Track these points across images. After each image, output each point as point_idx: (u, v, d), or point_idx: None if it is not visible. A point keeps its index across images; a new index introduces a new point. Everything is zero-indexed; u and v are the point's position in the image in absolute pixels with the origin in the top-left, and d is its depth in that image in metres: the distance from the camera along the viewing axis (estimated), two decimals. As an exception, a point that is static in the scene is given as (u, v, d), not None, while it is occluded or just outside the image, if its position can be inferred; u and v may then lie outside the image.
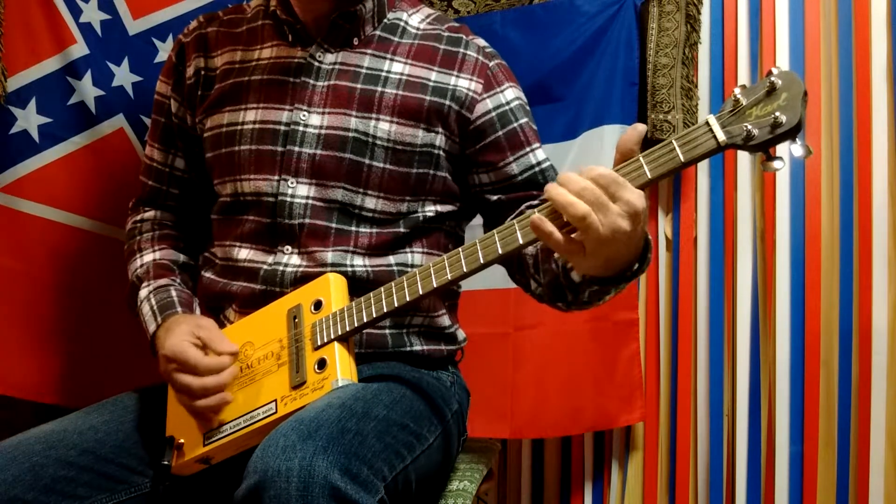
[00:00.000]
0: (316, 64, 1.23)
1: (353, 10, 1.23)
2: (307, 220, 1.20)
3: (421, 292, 1.06)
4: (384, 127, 1.20)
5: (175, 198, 1.37)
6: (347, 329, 1.08)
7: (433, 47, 1.26)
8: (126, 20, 1.70)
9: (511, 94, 1.26)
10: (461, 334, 1.34)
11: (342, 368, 1.06)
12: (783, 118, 0.88)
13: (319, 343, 1.09)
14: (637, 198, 0.91)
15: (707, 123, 0.92)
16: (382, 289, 1.09)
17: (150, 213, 1.37)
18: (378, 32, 1.26)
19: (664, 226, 1.73)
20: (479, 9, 1.78)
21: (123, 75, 1.70)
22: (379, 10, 1.26)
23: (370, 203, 1.21)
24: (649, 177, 0.93)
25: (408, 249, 1.25)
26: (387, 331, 1.21)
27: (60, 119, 1.67)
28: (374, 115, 1.21)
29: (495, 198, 1.25)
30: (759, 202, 1.67)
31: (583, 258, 0.96)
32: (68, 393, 1.68)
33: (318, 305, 1.12)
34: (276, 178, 1.21)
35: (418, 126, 1.22)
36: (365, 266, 1.20)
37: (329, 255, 1.20)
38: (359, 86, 1.22)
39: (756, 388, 1.66)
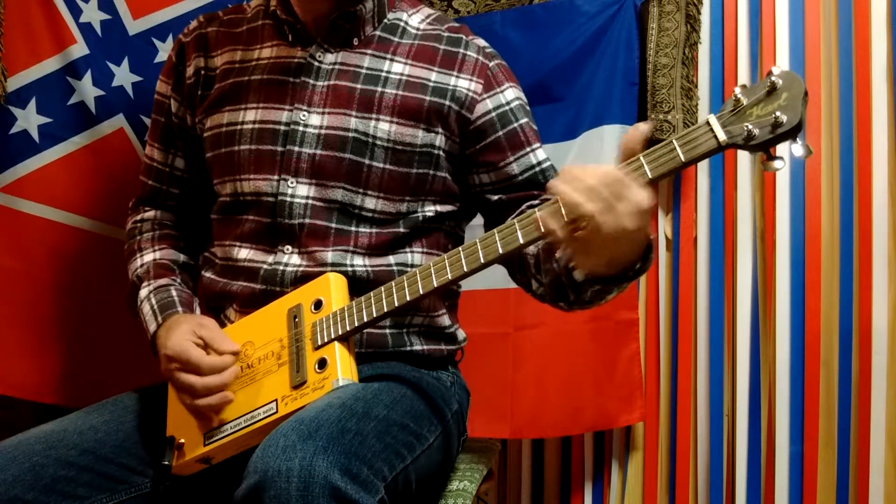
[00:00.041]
0: (316, 64, 1.23)
1: (353, 11, 1.23)
2: (307, 220, 1.20)
3: (421, 292, 1.06)
4: (384, 127, 1.20)
5: (175, 197, 1.37)
6: (348, 329, 1.08)
7: (433, 47, 1.26)
8: (126, 20, 1.70)
9: (511, 94, 1.26)
10: (461, 334, 1.34)
11: (342, 368, 1.06)
12: (784, 118, 0.88)
13: (320, 343, 1.09)
14: (643, 197, 0.92)
15: (707, 123, 0.92)
16: (383, 288, 1.09)
17: (150, 213, 1.37)
18: (378, 33, 1.26)
19: (664, 226, 1.73)
20: (479, 9, 1.78)
21: (123, 75, 1.70)
22: (379, 10, 1.26)
23: (370, 203, 1.21)
24: (650, 176, 0.93)
25: (407, 249, 1.25)
26: (387, 330, 1.21)
27: (60, 119, 1.67)
28: (373, 116, 1.21)
29: (496, 198, 1.25)
30: (759, 202, 1.67)
31: (587, 257, 0.96)
32: (68, 393, 1.68)
33: (318, 305, 1.12)
34: (276, 177, 1.21)
35: (418, 126, 1.22)
36: (365, 266, 1.20)
37: (329, 255, 1.20)
38: (359, 86, 1.22)
39: (756, 388, 1.66)
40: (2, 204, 1.65)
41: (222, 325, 1.22)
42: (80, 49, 1.66)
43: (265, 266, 1.20)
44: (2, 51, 1.63)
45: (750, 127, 0.90)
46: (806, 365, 1.61)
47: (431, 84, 1.23)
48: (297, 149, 1.20)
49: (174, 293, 1.25)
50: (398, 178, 1.21)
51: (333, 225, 1.21)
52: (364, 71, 1.23)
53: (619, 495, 1.76)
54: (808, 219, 1.62)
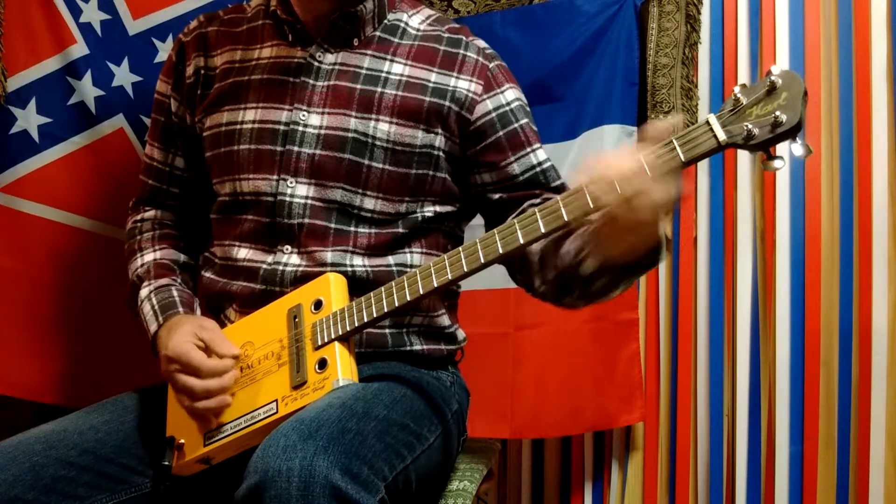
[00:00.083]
0: (316, 64, 1.23)
1: (353, 11, 1.23)
2: (306, 220, 1.20)
3: (421, 292, 1.06)
4: (384, 128, 1.20)
5: (175, 197, 1.37)
6: (348, 329, 1.08)
7: (433, 48, 1.26)
8: (126, 20, 1.70)
9: (511, 94, 1.26)
10: (461, 334, 1.34)
11: (343, 368, 1.06)
12: (783, 117, 0.88)
13: (320, 343, 1.09)
14: (677, 187, 0.93)
15: (707, 123, 0.92)
16: (383, 288, 1.09)
17: (150, 213, 1.37)
18: (378, 33, 1.26)
19: (664, 226, 1.73)
20: (479, 9, 1.78)
21: (123, 75, 1.70)
22: (379, 10, 1.26)
23: (369, 203, 1.21)
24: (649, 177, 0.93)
25: (407, 250, 1.25)
26: (386, 330, 1.21)
27: (60, 119, 1.67)
28: (373, 116, 1.21)
29: (497, 196, 1.25)
30: (759, 202, 1.67)
31: (610, 241, 0.98)
32: (68, 393, 1.68)
33: (318, 305, 1.12)
34: (276, 177, 1.21)
35: (418, 127, 1.22)
36: (364, 266, 1.20)
37: (329, 255, 1.20)
38: (358, 86, 1.22)
39: (756, 388, 1.66)
40: (2, 204, 1.65)
41: (222, 325, 1.22)
42: (80, 49, 1.66)
43: (265, 266, 1.20)
44: (2, 51, 1.63)
45: (750, 126, 0.90)
46: (806, 365, 1.61)
47: (431, 85, 1.23)
48: (296, 149, 1.20)
49: (175, 293, 1.25)
50: (397, 178, 1.21)
51: (332, 225, 1.21)
52: (364, 71, 1.23)
53: (619, 495, 1.76)
54: (808, 219, 1.62)
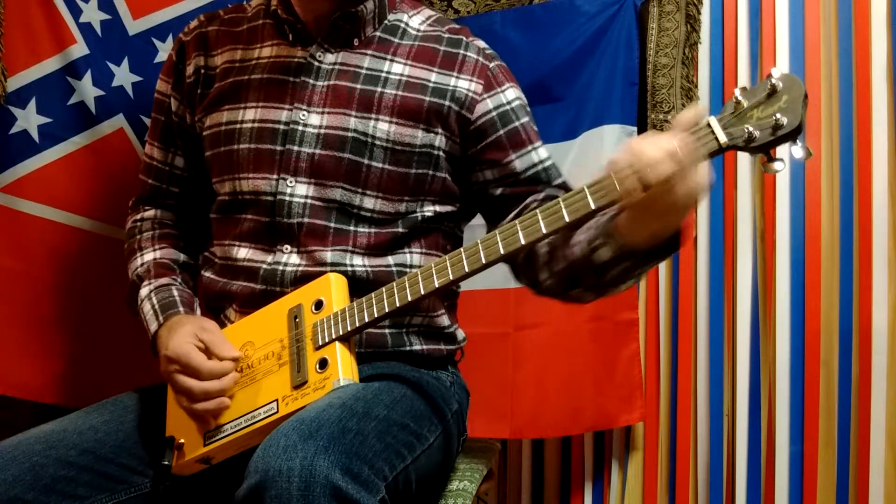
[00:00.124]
0: (316, 64, 1.23)
1: (354, 11, 1.23)
2: (306, 220, 1.20)
3: (423, 292, 1.06)
4: (383, 127, 1.20)
5: (175, 196, 1.37)
6: (349, 329, 1.08)
7: (433, 49, 1.26)
8: (126, 20, 1.70)
9: (512, 93, 1.26)
10: (461, 334, 1.34)
11: (343, 368, 1.06)
12: (784, 120, 0.89)
13: (321, 343, 1.09)
14: (707, 173, 0.93)
15: (708, 125, 0.93)
16: (384, 288, 1.09)
17: (150, 212, 1.37)
18: (378, 33, 1.26)
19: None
20: (479, 9, 1.78)
21: (123, 75, 1.70)
22: (380, 11, 1.26)
23: (369, 203, 1.21)
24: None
25: (406, 250, 1.25)
26: (386, 330, 1.21)
27: (60, 119, 1.67)
28: (373, 116, 1.21)
29: (499, 191, 1.25)
30: (759, 202, 1.67)
31: (642, 222, 0.98)
32: (68, 393, 1.68)
33: (318, 305, 1.12)
34: (275, 177, 1.21)
35: (417, 126, 1.22)
36: (364, 266, 1.20)
37: (328, 255, 1.20)
38: (358, 86, 1.22)
39: (756, 388, 1.66)
40: (2, 204, 1.65)
41: (222, 325, 1.22)
42: (80, 49, 1.66)
43: (264, 266, 1.20)
44: (2, 51, 1.63)
45: (750, 129, 0.90)
46: (806, 365, 1.62)
47: (431, 85, 1.23)
48: (296, 148, 1.20)
49: (175, 293, 1.25)
50: (397, 178, 1.21)
51: (332, 224, 1.21)
52: (364, 71, 1.23)
53: (619, 495, 1.76)
54: (808, 219, 1.62)
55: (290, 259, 1.20)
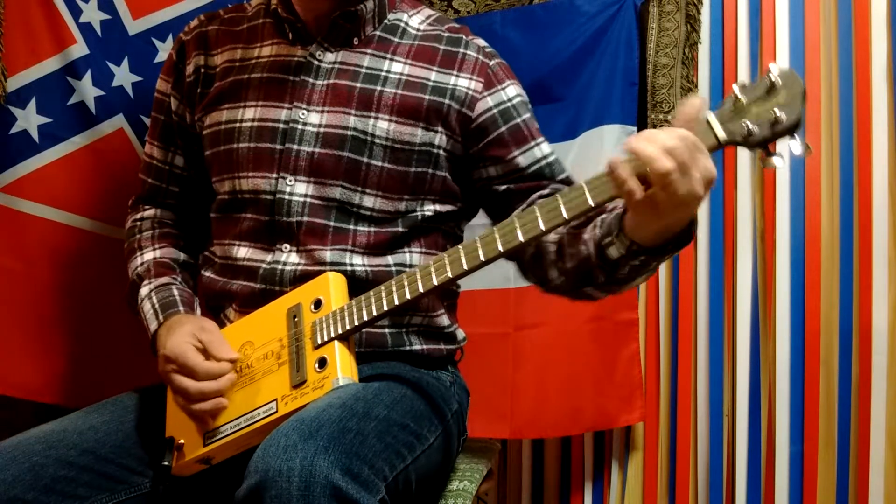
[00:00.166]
0: (316, 63, 1.23)
1: (353, 10, 1.23)
2: (305, 218, 1.20)
3: (422, 290, 1.05)
4: (383, 126, 1.20)
5: (175, 196, 1.37)
6: (348, 328, 1.08)
7: (433, 48, 1.26)
8: (126, 20, 1.70)
9: (512, 90, 1.26)
10: (460, 334, 1.34)
11: (343, 367, 1.06)
12: (783, 116, 0.89)
13: (320, 342, 1.09)
14: (713, 166, 0.92)
15: (707, 121, 0.93)
16: (382, 287, 1.09)
17: (150, 212, 1.37)
18: (378, 33, 1.26)
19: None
20: (479, 9, 1.78)
21: (123, 75, 1.70)
22: (380, 10, 1.26)
23: (368, 202, 1.21)
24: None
25: (406, 249, 1.24)
26: (386, 330, 1.21)
27: (60, 119, 1.67)
28: (373, 114, 1.21)
29: (503, 188, 1.24)
30: (759, 202, 1.67)
31: (648, 219, 0.97)
32: (68, 393, 1.68)
33: (317, 304, 1.12)
34: (275, 175, 1.21)
35: (417, 125, 1.21)
36: (364, 265, 1.20)
37: (328, 254, 1.20)
38: (358, 85, 1.22)
39: (756, 388, 1.66)
40: (2, 204, 1.65)
41: (222, 324, 1.22)
42: (80, 49, 1.66)
43: (264, 265, 1.20)
44: (2, 51, 1.63)
45: (749, 125, 0.90)
46: (806, 365, 1.61)
47: (431, 83, 1.23)
48: (295, 147, 1.20)
49: (175, 292, 1.25)
50: (397, 176, 1.21)
51: (332, 223, 1.21)
52: (364, 70, 1.23)
53: (619, 495, 1.76)
54: (808, 219, 1.62)
55: (290, 258, 1.20)
